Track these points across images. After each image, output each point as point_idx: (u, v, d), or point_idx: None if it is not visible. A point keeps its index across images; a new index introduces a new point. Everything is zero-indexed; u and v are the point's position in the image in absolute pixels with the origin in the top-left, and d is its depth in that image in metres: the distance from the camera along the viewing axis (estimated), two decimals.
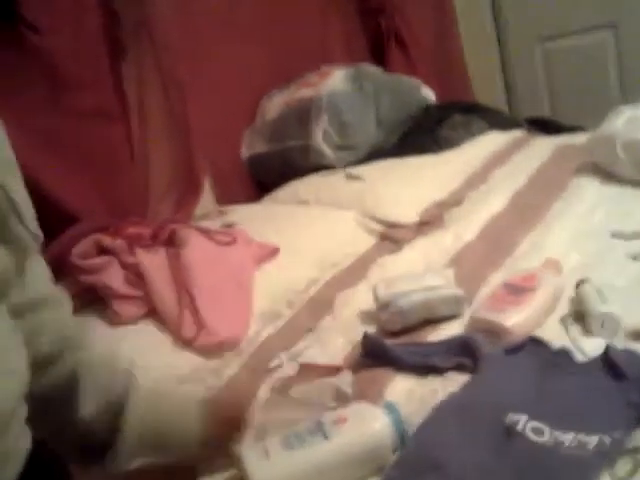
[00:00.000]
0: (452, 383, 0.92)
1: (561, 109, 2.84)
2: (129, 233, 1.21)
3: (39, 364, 0.68)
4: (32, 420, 0.64)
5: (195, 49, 1.77)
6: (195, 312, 1.10)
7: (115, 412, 0.77)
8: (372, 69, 2.10)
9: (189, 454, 0.82)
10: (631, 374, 0.83)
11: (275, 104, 1.98)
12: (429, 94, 2.15)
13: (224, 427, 0.84)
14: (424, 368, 0.97)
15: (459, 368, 0.95)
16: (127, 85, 1.57)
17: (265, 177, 1.98)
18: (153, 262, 1.16)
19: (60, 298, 0.77)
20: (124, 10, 1.64)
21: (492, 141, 2.00)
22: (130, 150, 1.47)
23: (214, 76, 1.87)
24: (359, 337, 1.10)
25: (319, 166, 1.86)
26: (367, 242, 1.51)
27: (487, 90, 2.87)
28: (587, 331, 0.99)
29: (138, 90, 1.58)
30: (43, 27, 1.44)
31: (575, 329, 1.01)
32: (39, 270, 0.72)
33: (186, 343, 1.07)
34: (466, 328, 1.07)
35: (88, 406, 0.75)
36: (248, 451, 0.77)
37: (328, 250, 1.43)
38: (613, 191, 1.49)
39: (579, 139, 1.83)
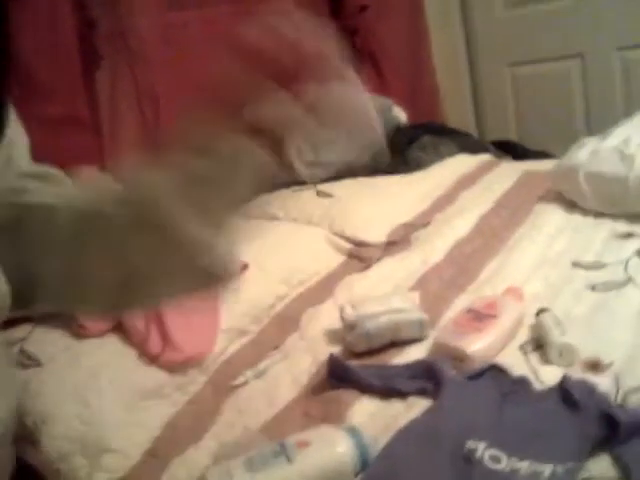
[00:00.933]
0: (414, 407, 0.94)
1: (528, 133, 2.91)
2: None
3: None
4: None
5: (170, 61, 1.76)
6: (161, 327, 1.10)
7: None
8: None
9: None
10: (585, 405, 0.86)
11: None
12: (400, 115, 2.18)
13: None
14: (388, 391, 0.98)
15: (422, 392, 0.97)
16: (100, 94, 1.57)
17: None
18: None
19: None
20: (101, 19, 1.64)
21: (460, 164, 2.04)
22: (100, 160, 1.46)
23: (190, 86, 1.86)
24: (325, 356, 1.11)
25: (290, 181, 1.87)
26: (335, 260, 1.53)
27: (457, 112, 2.93)
28: (545, 359, 1.02)
29: (111, 100, 1.58)
30: (16, 31, 1.43)
31: (534, 357, 1.04)
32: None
33: (151, 359, 1.06)
34: (430, 352, 1.09)
35: None
36: (212, 473, 0.78)
37: (296, 267, 1.44)
38: (575, 220, 1.53)
39: (544, 166, 1.88)
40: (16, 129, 0.64)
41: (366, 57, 2.52)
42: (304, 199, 1.74)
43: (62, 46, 1.55)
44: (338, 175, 1.90)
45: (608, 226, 1.46)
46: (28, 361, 1.01)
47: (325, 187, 1.79)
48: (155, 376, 1.05)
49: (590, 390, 0.90)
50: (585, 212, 1.55)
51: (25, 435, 0.91)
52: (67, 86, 1.54)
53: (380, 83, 2.51)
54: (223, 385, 1.10)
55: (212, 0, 1.99)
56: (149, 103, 1.61)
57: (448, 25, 2.91)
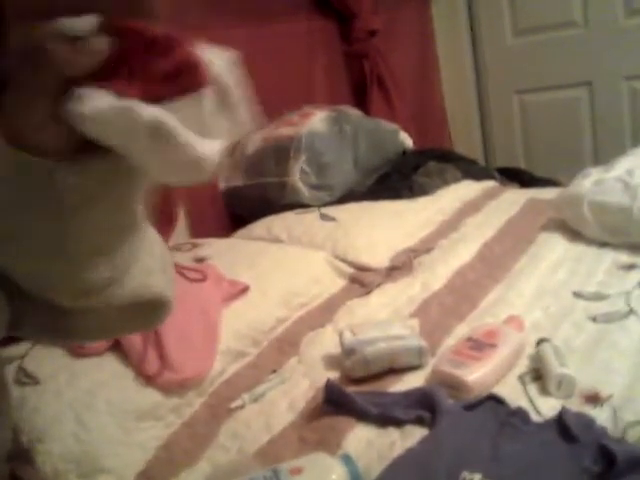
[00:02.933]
0: (411, 436, 0.93)
1: (535, 161, 2.92)
2: None
3: None
4: None
5: None
6: (159, 348, 1.10)
7: None
8: (353, 112, 2.14)
9: None
10: (583, 439, 0.85)
11: (255, 139, 2.01)
12: (407, 140, 2.19)
13: None
14: (384, 419, 0.98)
15: (418, 421, 0.96)
16: None
17: (240, 210, 1.99)
18: None
19: None
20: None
21: (465, 190, 2.04)
22: None
23: None
24: (323, 381, 1.11)
25: (294, 203, 1.88)
26: (336, 284, 1.53)
27: (465, 138, 2.95)
28: (544, 390, 1.02)
29: None
30: None
31: (533, 388, 1.03)
32: None
33: (148, 380, 1.06)
34: (428, 380, 1.09)
35: None
36: None
37: (297, 290, 1.44)
38: (578, 250, 1.53)
39: (549, 194, 1.88)
40: None
41: (374, 81, 2.54)
42: (307, 222, 1.75)
43: None
44: (342, 198, 1.91)
45: (611, 256, 1.46)
46: (26, 379, 1.01)
47: (329, 210, 1.80)
48: (151, 397, 1.05)
49: (588, 423, 0.89)
50: (588, 241, 1.54)
51: (20, 453, 0.91)
52: None
53: (388, 107, 2.53)
54: (219, 408, 1.10)
55: (222, 20, 2.02)
56: None
57: (457, 51, 2.94)
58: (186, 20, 2.00)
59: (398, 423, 0.96)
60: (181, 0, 1.89)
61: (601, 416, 0.92)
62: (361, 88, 2.56)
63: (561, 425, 0.90)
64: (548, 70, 2.85)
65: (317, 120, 1.97)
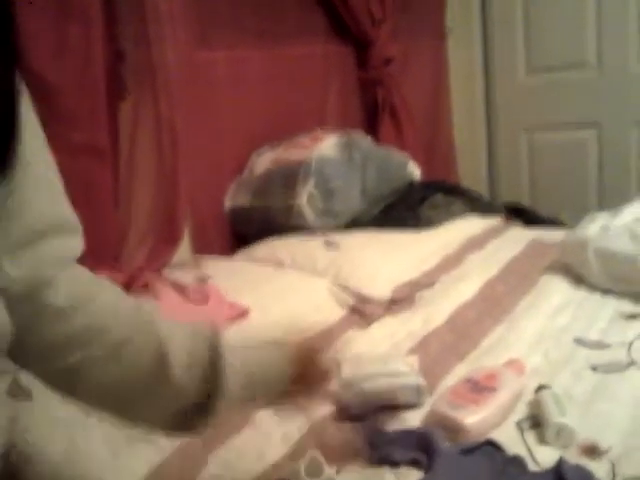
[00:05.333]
0: (405, 478, 0.92)
1: (540, 199, 2.93)
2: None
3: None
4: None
5: (194, 96, 1.79)
6: None
7: (205, 369, 0.72)
8: (363, 139, 2.15)
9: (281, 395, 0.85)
10: None
11: (264, 160, 2.01)
12: (415, 171, 2.20)
13: (307, 367, 0.86)
14: (379, 459, 0.97)
15: (414, 463, 0.95)
16: (122, 125, 1.59)
17: (245, 230, 1.99)
18: None
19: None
20: (130, 52, 1.67)
21: (470, 225, 2.04)
22: (114, 191, 1.47)
23: (209, 125, 1.90)
24: (319, 414, 1.10)
25: (299, 227, 1.88)
26: (336, 313, 1.52)
27: (472, 172, 2.96)
28: (542, 439, 1.01)
29: (132, 131, 1.60)
30: (46, 58, 1.46)
31: (530, 435, 1.02)
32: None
33: None
34: (425, 420, 1.08)
35: (178, 368, 0.70)
36: None
37: (297, 316, 1.43)
38: (581, 295, 1.53)
39: (553, 235, 1.89)
40: (41, 164, 0.62)
41: (387, 109, 2.56)
42: (311, 247, 1.74)
43: (90, 75, 1.58)
44: (347, 225, 1.91)
45: (614, 304, 1.45)
46: (19, 392, 1.00)
47: (333, 236, 1.80)
48: None
49: (586, 477, 0.88)
50: (591, 288, 1.54)
51: (9, 471, 0.89)
52: (91, 114, 1.56)
53: (398, 135, 2.54)
54: (213, 434, 1.08)
55: (241, 42, 2.03)
56: (168, 138, 1.62)
57: (470, 85, 2.96)
58: (209, 42, 2.03)
59: (393, 464, 0.95)
60: (204, 24, 1.92)
61: (599, 469, 0.91)
62: (373, 115, 2.57)
63: (559, 476, 0.89)
64: (558, 109, 2.87)
65: (327, 145, 1.97)
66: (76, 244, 0.67)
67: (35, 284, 0.61)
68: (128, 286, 1.21)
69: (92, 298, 0.66)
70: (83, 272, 0.69)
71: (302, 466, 0.88)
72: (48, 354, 0.64)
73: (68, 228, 0.66)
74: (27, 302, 0.60)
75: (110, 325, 0.66)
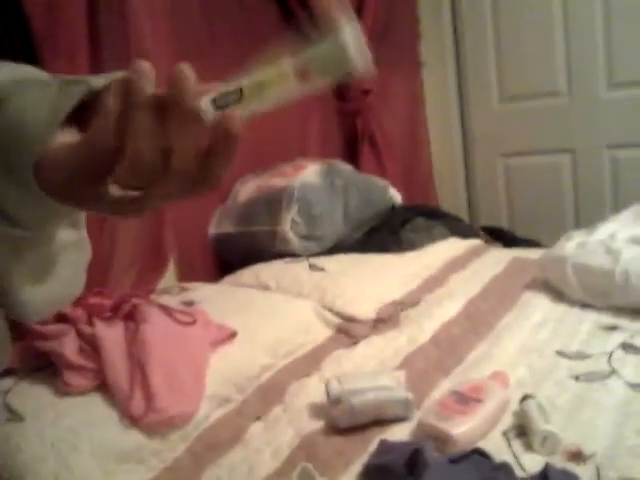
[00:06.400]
0: None
1: (518, 222, 2.99)
2: (90, 303, 1.21)
3: None
4: None
5: None
6: (146, 389, 1.09)
7: None
8: (344, 167, 2.20)
9: None
10: None
11: (248, 188, 2.04)
12: (396, 196, 2.24)
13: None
14: (370, 468, 0.98)
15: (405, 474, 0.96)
16: None
17: (229, 257, 2.01)
18: (110, 335, 1.16)
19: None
20: (110, 63, 1.70)
21: (451, 247, 2.08)
22: (99, 217, 1.48)
23: None
24: (308, 430, 1.11)
25: (284, 252, 1.90)
26: (323, 333, 1.53)
27: (450, 197, 3.02)
28: (528, 447, 1.03)
29: None
30: None
31: (517, 443, 1.04)
32: None
33: (133, 421, 1.05)
34: (413, 432, 1.09)
35: None
36: None
37: (284, 338, 1.45)
38: (561, 309, 1.56)
39: (533, 254, 1.93)
40: None
41: (366, 138, 2.61)
42: (296, 271, 1.77)
43: None
44: (331, 250, 1.94)
45: (593, 317, 1.49)
46: (10, 415, 1.00)
47: (317, 260, 1.82)
48: (135, 439, 1.04)
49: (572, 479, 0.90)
50: (571, 302, 1.58)
51: None
52: None
53: (378, 164, 2.59)
54: (202, 454, 1.09)
55: (221, 74, 2.08)
56: None
57: (445, 114, 3.04)
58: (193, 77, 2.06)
59: (384, 475, 0.96)
60: (189, 58, 1.97)
61: (585, 474, 0.93)
62: (353, 144, 2.63)
63: None
64: (532, 136, 2.95)
65: (310, 172, 2.01)
66: None
67: None
68: (116, 310, 1.22)
69: None
70: None
71: (294, 477, 0.89)
72: None
73: None
74: None
75: None
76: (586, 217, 2.75)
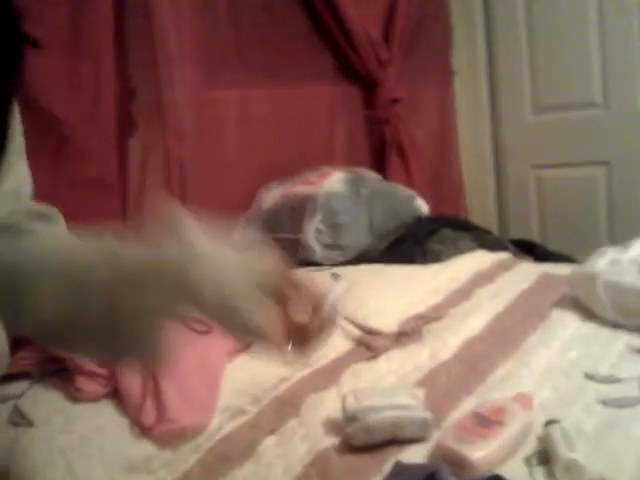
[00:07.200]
0: None
1: (550, 236, 2.91)
2: None
3: None
4: None
5: (202, 136, 1.82)
6: (158, 398, 1.08)
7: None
8: (370, 175, 2.17)
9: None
10: None
11: (272, 195, 2.02)
12: (422, 206, 2.20)
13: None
14: None
15: None
16: (131, 161, 1.61)
17: None
18: None
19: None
20: (141, 90, 1.71)
21: (478, 260, 2.03)
22: (123, 225, 1.48)
23: (218, 160, 1.92)
24: (322, 446, 1.08)
25: (307, 261, 1.88)
26: (343, 346, 1.50)
27: (480, 209, 2.96)
28: (551, 475, 0.98)
29: (141, 167, 1.62)
30: (56, 94, 1.50)
31: (539, 471, 0.99)
32: None
33: (144, 430, 1.04)
34: (431, 453, 1.05)
35: None
36: None
37: None
38: (590, 329, 1.50)
39: (563, 270, 1.87)
40: (21, 163, 0.68)
41: (394, 147, 2.58)
42: (318, 280, 1.73)
43: (101, 112, 1.61)
44: (354, 260, 1.90)
45: (624, 339, 1.43)
46: (20, 420, 0.99)
47: (340, 270, 1.79)
48: (145, 449, 1.02)
49: None
50: (601, 322, 1.52)
51: None
52: (100, 151, 1.59)
53: (405, 173, 2.56)
54: (213, 466, 1.06)
55: (250, 81, 2.08)
56: (176, 175, 1.65)
57: (477, 124, 2.99)
58: (218, 82, 2.08)
59: None
60: (214, 63, 1.97)
61: None
62: (380, 153, 2.59)
63: None
64: (566, 147, 2.88)
65: (335, 181, 1.99)
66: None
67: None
68: None
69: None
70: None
71: None
72: None
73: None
74: None
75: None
76: (621, 232, 2.67)
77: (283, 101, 2.16)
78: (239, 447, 1.12)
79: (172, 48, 1.72)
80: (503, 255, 2.15)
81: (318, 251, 1.87)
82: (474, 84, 2.97)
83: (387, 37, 2.52)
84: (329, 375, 1.38)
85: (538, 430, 1.07)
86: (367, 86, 2.56)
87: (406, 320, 1.59)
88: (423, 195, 2.29)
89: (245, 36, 2.06)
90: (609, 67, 2.72)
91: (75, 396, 1.08)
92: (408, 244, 1.98)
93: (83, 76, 1.56)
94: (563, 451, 0.98)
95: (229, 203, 1.99)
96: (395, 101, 2.56)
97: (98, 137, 1.57)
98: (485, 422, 1.06)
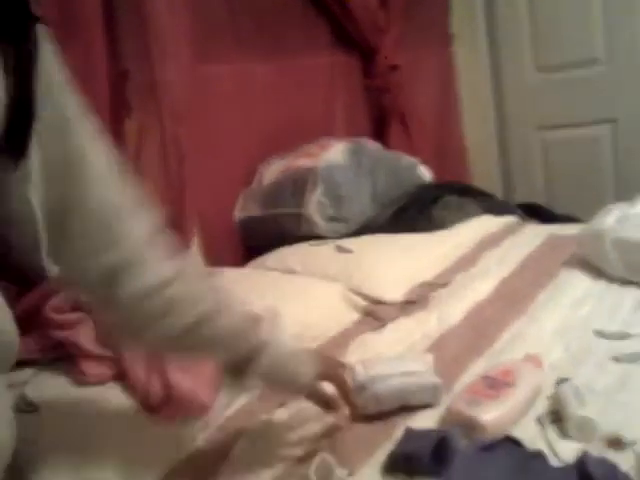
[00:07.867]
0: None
1: (556, 197, 2.88)
2: None
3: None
4: None
5: (199, 114, 1.79)
6: (164, 378, 1.07)
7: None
8: (371, 145, 2.13)
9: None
10: None
11: (273, 170, 2.00)
12: (425, 174, 2.17)
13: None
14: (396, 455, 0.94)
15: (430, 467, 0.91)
16: (127, 143, 1.59)
17: (255, 240, 1.98)
18: None
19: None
20: (134, 69, 1.67)
21: (484, 225, 2.01)
22: None
23: (217, 137, 1.90)
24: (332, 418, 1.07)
25: (310, 235, 1.86)
26: (350, 317, 1.49)
27: (485, 174, 2.92)
28: (564, 433, 0.97)
29: (137, 148, 1.60)
30: None
31: (551, 430, 0.98)
32: None
33: (151, 411, 1.03)
34: (442, 418, 1.04)
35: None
36: None
37: (310, 322, 1.41)
38: (600, 287, 1.48)
39: (570, 230, 1.84)
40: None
41: (395, 115, 2.54)
42: (322, 254, 1.72)
43: (94, 95, 1.59)
44: (358, 231, 1.88)
45: (634, 295, 1.41)
46: (26, 406, 0.99)
47: (344, 242, 1.77)
48: (152, 429, 1.02)
49: (611, 469, 0.84)
50: (610, 279, 1.50)
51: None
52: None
53: (407, 141, 2.52)
54: (223, 442, 1.06)
55: (246, 55, 2.04)
56: (174, 154, 1.62)
57: (478, 87, 2.94)
58: (213, 57, 2.03)
59: (408, 465, 0.92)
60: (208, 38, 1.93)
61: (624, 462, 0.87)
62: (381, 122, 2.56)
63: (582, 471, 0.85)
64: (570, 107, 2.83)
65: (335, 152, 1.96)
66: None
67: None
68: None
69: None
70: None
71: (312, 469, 0.85)
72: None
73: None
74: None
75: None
76: (628, 190, 2.62)
77: (280, 73, 2.13)
78: (248, 422, 1.11)
79: (164, 24, 1.68)
80: (509, 219, 2.13)
81: (321, 224, 1.85)
82: (474, 46, 2.91)
83: (383, 2, 2.47)
84: (337, 346, 1.37)
85: (550, 390, 1.06)
86: (365, 55, 2.51)
87: (412, 288, 1.58)
88: (427, 162, 2.26)
89: (239, 9, 2.02)
90: (611, 21, 2.65)
91: (80, 380, 1.07)
92: (412, 212, 1.96)
93: (74, 57, 1.53)
94: (575, 409, 0.97)
95: (230, 179, 1.96)
96: (394, 69, 2.51)
97: (92, 120, 1.54)
98: (495, 384, 1.04)
